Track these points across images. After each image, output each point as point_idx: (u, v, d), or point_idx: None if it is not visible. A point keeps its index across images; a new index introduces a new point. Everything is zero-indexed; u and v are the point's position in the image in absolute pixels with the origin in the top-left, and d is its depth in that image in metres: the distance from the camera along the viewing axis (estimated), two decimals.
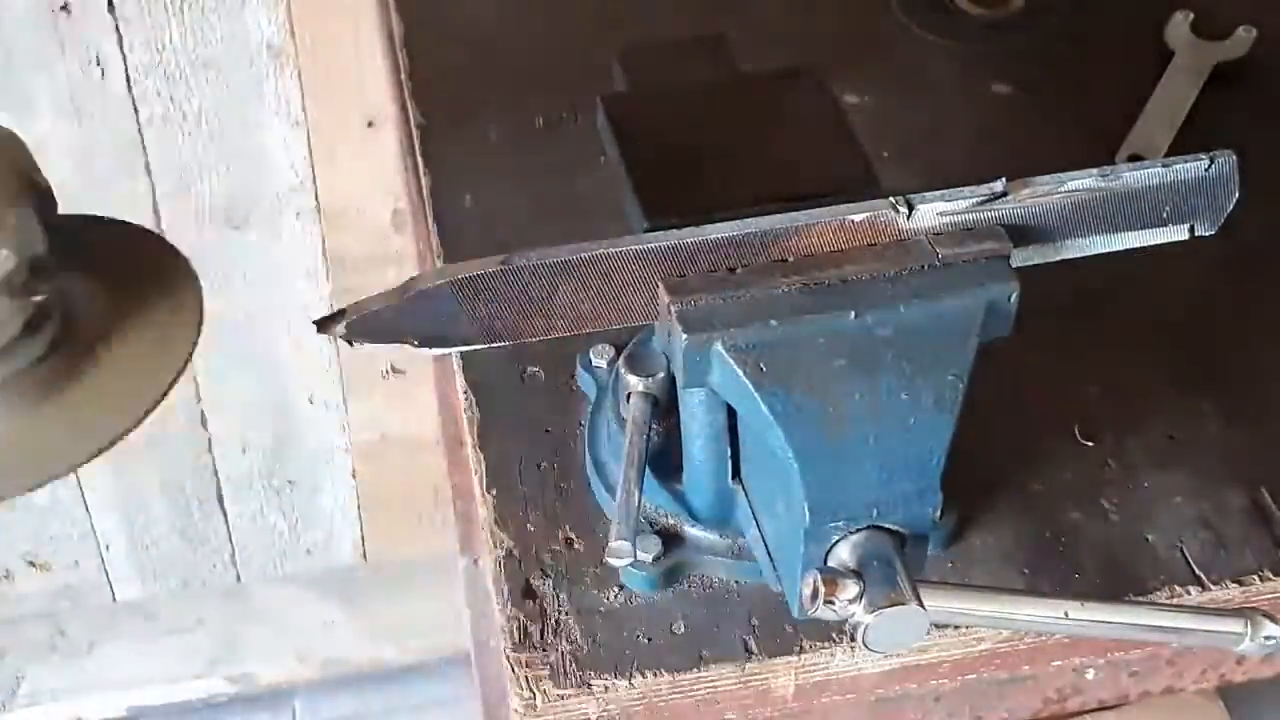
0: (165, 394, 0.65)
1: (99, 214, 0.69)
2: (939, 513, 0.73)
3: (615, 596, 0.83)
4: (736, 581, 0.84)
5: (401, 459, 1.90)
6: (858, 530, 0.71)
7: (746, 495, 0.80)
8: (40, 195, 0.62)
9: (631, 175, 0.80)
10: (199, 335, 0.67)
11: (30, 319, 0.62)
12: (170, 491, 1.87)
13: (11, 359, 0.62)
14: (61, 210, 0.63)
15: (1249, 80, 1.14)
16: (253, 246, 1.68)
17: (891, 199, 0.74)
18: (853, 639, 0.70)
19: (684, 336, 0.71)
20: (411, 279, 0.72)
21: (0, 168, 0.60)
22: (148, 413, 0.64)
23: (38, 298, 0.61)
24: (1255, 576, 0.85)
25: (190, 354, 0.66)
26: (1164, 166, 0.76)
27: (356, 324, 0.71)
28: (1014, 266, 0.75)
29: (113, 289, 0.66)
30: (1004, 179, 0.75)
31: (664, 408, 0.82)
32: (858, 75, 1.12)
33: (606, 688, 0.80)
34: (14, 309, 0.61)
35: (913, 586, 0.70)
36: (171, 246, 0.70)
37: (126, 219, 0.71)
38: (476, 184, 1.05)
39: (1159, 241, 0.79)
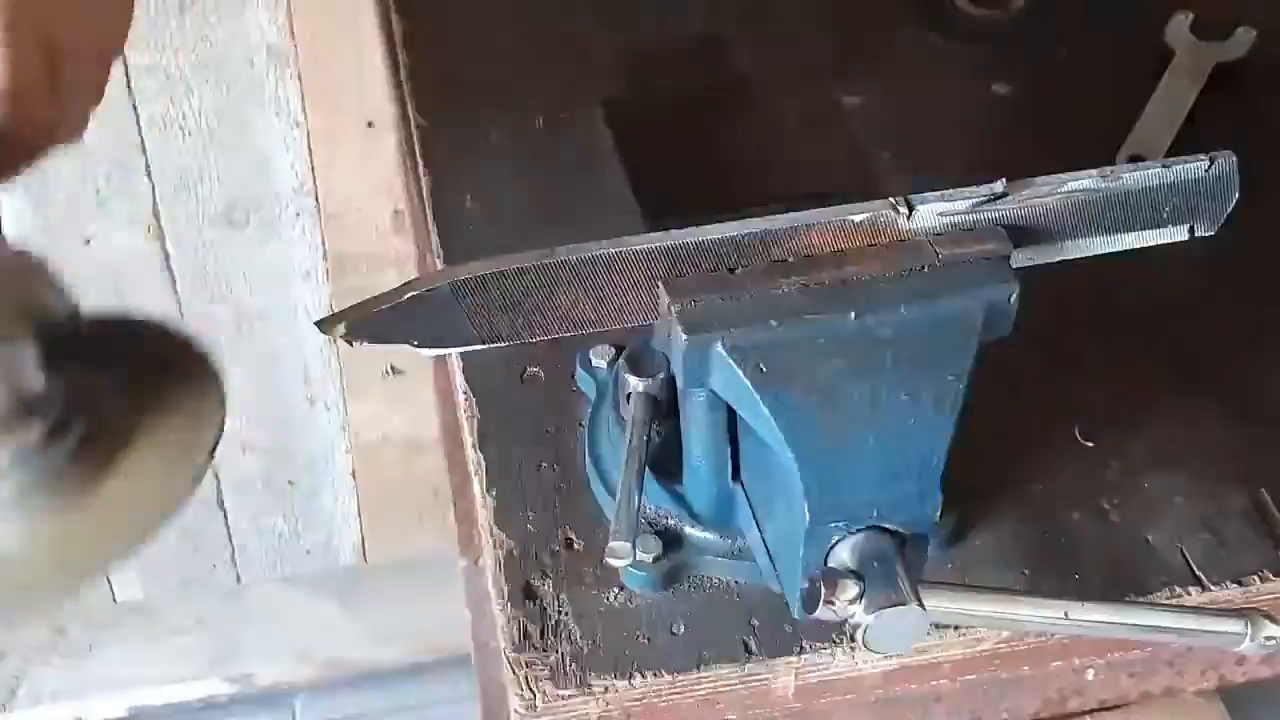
0: (185, 499, 0.63)
1: (121, 312, 0.66)
2: (939, 513, 0.73)
3: (615, 597, 0.83)
4: (736, 582, 0.84)
5: (401, 459, 1.90)
6: (858, 531, 0.71)
7: (746, 496, 0.80)
8: (47, 321, 0.58)
9: (631, 175, 0.80)
10: (220, 434, 0.64)
11: (47, 431, 0.60)
12: None
13: (22, 470, 0.60)
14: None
15: (1249, 80, 1.14)
16: (253, 247, 1.68)
17: (891, 199, 0.74)
18: (853, 639, 0.70)
19: (684, 337, 0.71)
20: (412, 280, 0.72)
21: None
22: (166, 518, 0.61)
23: (30, 433, 0.58)
24: (1255, 577, 0.85)
25: (211, 454, 0.64)
26: (1164, 166, 0.76)
27: (357, 325, 0.71)
28: (1014, 267, 0.75)
29: (134, 392, 0.63)
30: (1004, 179, 0.75)
31: (664, 408, 0.82)
32: (858, 75, 1.11)
33: (606, 688, 0.80)
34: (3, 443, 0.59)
35: (913, 586, 0.70)
36: (198, 347, 0.67)
37: (153, 318, 0.67)
38: (476, 184, 1.05)
39: (1159, 242, 0.79)
